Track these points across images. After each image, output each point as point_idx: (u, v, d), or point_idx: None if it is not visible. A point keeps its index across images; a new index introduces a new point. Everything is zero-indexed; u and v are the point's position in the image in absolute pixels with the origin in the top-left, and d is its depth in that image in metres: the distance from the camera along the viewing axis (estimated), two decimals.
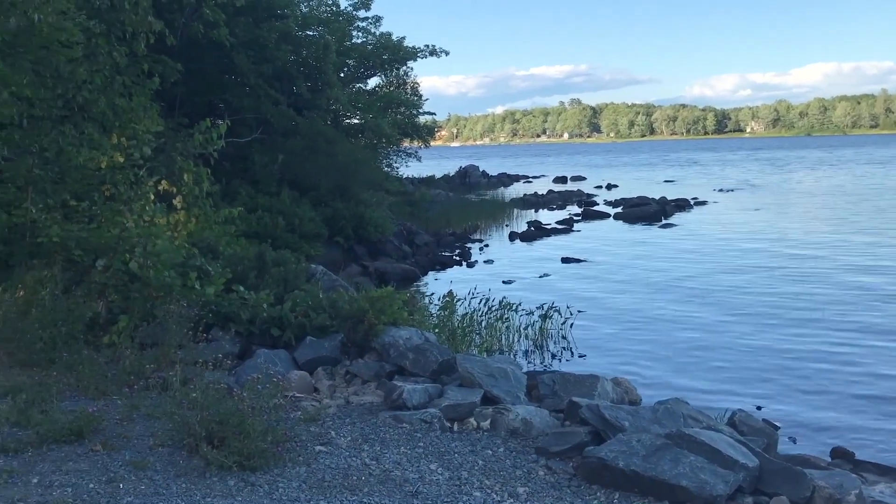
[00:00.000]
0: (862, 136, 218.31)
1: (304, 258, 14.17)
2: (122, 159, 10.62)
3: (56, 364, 7.79)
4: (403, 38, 29.41)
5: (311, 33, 23.99)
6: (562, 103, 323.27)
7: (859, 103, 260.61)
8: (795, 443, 8.63)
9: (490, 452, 6.25)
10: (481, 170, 65.24)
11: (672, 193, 43.10)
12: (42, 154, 10.17)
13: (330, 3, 27.03)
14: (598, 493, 5.49)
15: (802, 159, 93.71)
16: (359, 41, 28.69)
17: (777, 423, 8.92)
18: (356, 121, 28.11)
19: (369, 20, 28.34)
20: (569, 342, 13.04)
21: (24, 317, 8.54)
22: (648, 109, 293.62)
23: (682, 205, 37.97)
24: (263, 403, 6.16)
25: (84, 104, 10.59)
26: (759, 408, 9.61)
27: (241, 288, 9.40)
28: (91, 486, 5.34)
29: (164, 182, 11.34)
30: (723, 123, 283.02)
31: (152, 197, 10.79)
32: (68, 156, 10.18)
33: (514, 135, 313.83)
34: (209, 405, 5.97)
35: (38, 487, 5.29)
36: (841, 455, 7.95)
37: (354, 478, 5.64)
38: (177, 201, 11.52)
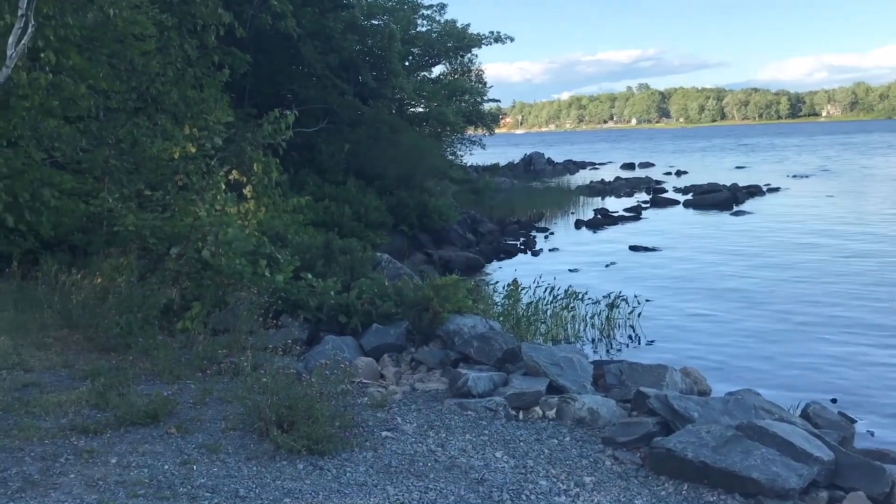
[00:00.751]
0: None
1: (369, 246, 14.32)
2: (193, 150, 10.89)
3: (132, 349, 8.05)
4: (468, 25, 29.43)
5: (376, 22, 24.13)
6: (629, 88, 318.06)
7: None
8: (874, 436, 8.33)
9: (556, 441, 6.22)
10: (546, 157, 64.67)
11: (744, 180, 42.02)
12: (118, 145, 10.50)
13: None
14: (666, 484, 5.42)
15: (881, 144, 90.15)
16: (423, 29, 28.78)
17: (854, 417, 8.66)
18: (421, 109, 28.23)
19: (434, 8, 28.42)
20: (636, 332, 12.86)
21: (101, 303, 8.86)
22: (719, 94, 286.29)
23: (754, 191, 37.01)
24: (331, 389, 6.25)
25: (157, 96, 10.91)
26: (834, 400, 9.32)
27: (310, 275, 9.55)
28: (166, 467, 5.51)
29: (234, 172, 11.59)
30: (797, 107, 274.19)
31: (223, 186, 11.04)
32: (142, 147, 10.49)
33: (581, 121, 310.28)
34: (279, 390, 6.09)
35: (117, 468, 5.48)
36: None
37: (420, 464, 5.68)
38: (247, 190, 11.76)
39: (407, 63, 27.88)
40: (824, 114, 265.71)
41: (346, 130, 21.26)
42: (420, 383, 7.79)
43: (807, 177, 46.92)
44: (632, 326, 13.07)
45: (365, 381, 7.68)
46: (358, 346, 8.58)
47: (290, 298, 9.21)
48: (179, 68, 11.37)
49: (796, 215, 28.27)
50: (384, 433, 6.29)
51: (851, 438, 7.44)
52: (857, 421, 8.57)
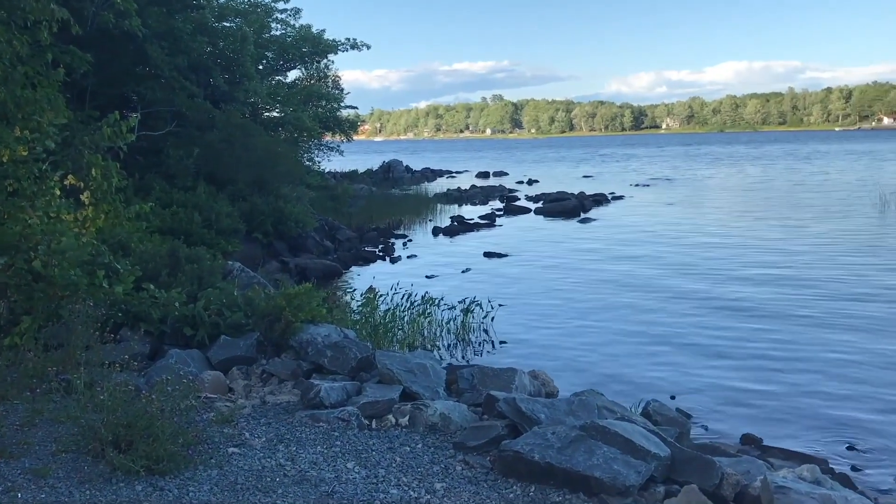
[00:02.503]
0: (771, 133, 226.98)
1: (220, 255, 13.86)
2: (24, 153, 10.13)
3: None
4: (323, 30, 29.15)
5: (228, 24, 23.46)
6: (484, 99, 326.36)
7: (768, 101, 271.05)
8: (707, 430, 8.87)
9: (408, 449, 6.22)
10: (405, 165, 65.09)
11: (590, 188, 43.89)
12: None
13: None
14: (515, 487, 5.52)
15: (714, 155, 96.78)
16: (278, 33, 28.25)
17: (689, 412, 9.18)
18: (276, 114, 27.68)
19: (288, 12, 28.01)
20: (490, 336, 13.12)
21: None
22: (568, 106, 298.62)
23: (600, 199, 38.72)
24: (174, 405, 5.98)
25: None
26: (672, 397, 9.85)
27: (152, 286, 9.12)
28: None
29: (70, 177, 10.88)
30: (639, 120, 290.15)
31: (58, 192, 10.34)
32: None
33: (438, 130, 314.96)
34: (116, 408, 5.76)
35: None
36: (749, 441, 8.22)
37: (268, 479, 5.53)
38: (84, 196, 11.06)
39: (261, 67, 27.26)
40: (664, 126, 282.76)
41: (195, 134, 20.49)
42: (271, 396, 7.59)
43: (647, 185, 49.57)
44: (486, 331, 13.32)
45: (211, 395, 7.40)
46: (205, 360, 8.26)
47: (131, 311, 8.75)
48: (8, 66, 10.56)
49: (638, 221, 29.79)
50: (231, 449, 6.07)
51: (688, 433, 7.89)
52: (692, 416, 9.10)
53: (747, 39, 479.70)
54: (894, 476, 7.53)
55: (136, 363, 7.32)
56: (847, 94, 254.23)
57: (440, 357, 11.61)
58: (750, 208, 33.53)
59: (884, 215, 29.03)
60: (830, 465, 7.46)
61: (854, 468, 7.69)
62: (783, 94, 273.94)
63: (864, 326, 13.12)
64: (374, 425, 6.77)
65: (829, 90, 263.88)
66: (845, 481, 6.80)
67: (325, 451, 6.11)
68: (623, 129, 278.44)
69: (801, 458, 7.48)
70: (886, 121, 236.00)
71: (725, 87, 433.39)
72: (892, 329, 12.89)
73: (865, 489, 6.86)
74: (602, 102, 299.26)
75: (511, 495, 5.39)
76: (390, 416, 6.87)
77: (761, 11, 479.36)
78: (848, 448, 8.26)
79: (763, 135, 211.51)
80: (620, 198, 40.56)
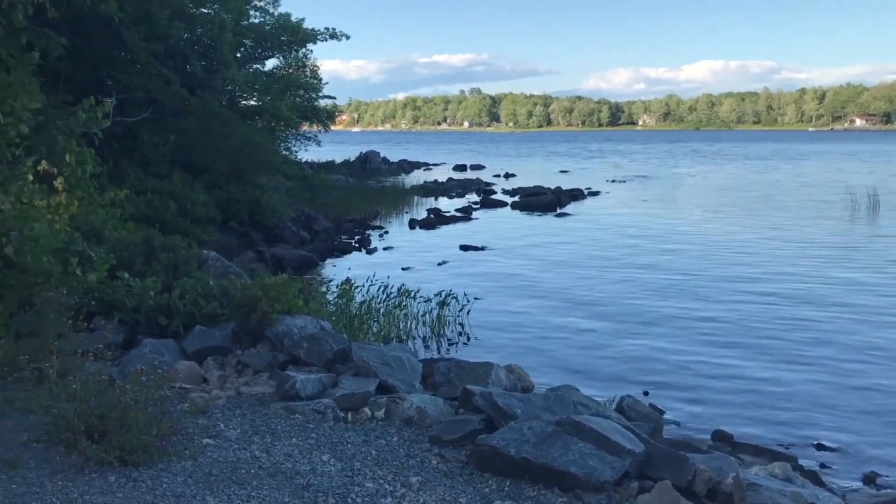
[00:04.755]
0: (746, 132, 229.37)
1: (195, 244, 13.72)
2: None
3: None
4: (303, 19, 28.87)
5: (205, 11, 23.16)
6: (462, 92, 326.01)
7: (744, 100, 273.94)
8: (680, 426, 8.96)
9: (384, 442, 6.21)
10: (382, 156, 64.86)
11: (567, 183, 44.05)
12: None
13: None
14: (490, 481, 5.54)
15: (690, 152, 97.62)
16: (256, 21, 27.97)
17: (662, 408, 9.27)
18: (253, 103, 27.44)
19: (267, 0, 27.67)
20: (465, 329, 13.14)
21: None
22: (546, 100, 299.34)
23: (577, 195, 38.89)
24: (148, 395, 5.91)
25: None
26: (646, 393, 9.93)
27: (126, 275, 9.02)
28: None
29: (43, 162, 10.70)
30: (617, 116, 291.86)
31: (31, 178, 10.18)
32: None
33: (416, 122, 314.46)
34: (89, 397, 5.69)
35: None
36: (721, 438, 8.32)
37: (243, 471, 5.50)
38: (58, 183, 10.89)
39: (239, 55, 26.98)
40: (640, 123, 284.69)
41: (171, 121, 20.28)
42: (246, 387, 7.55)
43: (623, 181, 49.87)
44: (461, 324, 13.34)
45: (185, 385, 7.34)
46: (180, 350, 8.20)
47: (105, 299, 8.65)
48: None
49: (613, 217, 29.98)
50: (205, 440, 6.03)
51: (661, 429, 7.94)
52: (665, 412, 9.19)
53: (724, 39, 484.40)
54: (862, 474, 7.66)
55: (109, 352, 7.21)
56: (821, 95, 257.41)
57: (415, 350, 11.60)
58: (723, 207, 33.88)
59: (854, 217, 29.45)
60: (800, 463, 7.58)
61: (823, 465, 7.82)
62: (758, 94, 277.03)
63: (834, 325, 13.31)
64: (349, 418, 6.76)
65: (803, 91, 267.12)
66: (815, 479, 6.91)
67: (301, 443, 6.09)
68: (600, 125, 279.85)
69: (772, 455, 7.59)
70: (859, 122, 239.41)
71: (702, 85, 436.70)
72: (861, 328, 13.09)
73: (834, 487, 6.97)
74: (580, 98, 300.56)
75: (486, 490, 5.41)
76: (366, 409, 6.86)
77: (738, 11, 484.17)
78: (816, 446, 8.39)
79: (738, 133, 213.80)
80: (597, 193, 40.77)
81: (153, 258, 9.99)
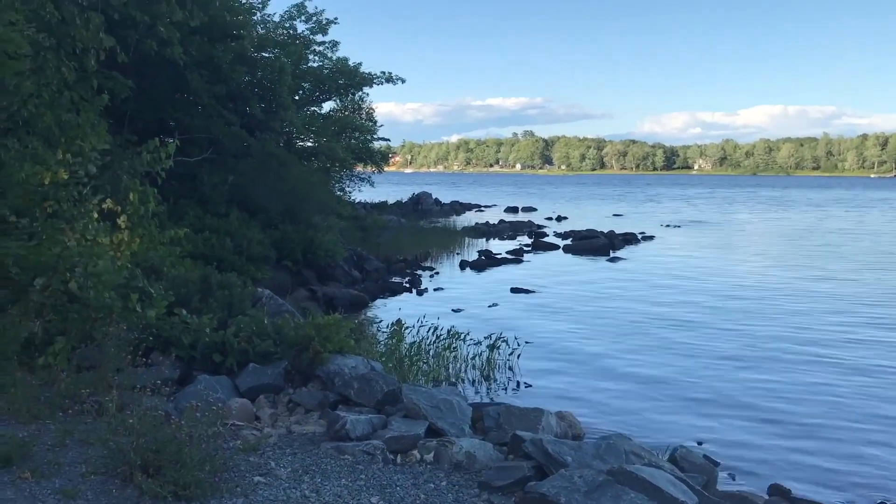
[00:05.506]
0: (804, 177, 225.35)
1: (250, 281, 13.99)
2: (66, 176, 10.36)
3: None
4: (360, 63, 29.49)
5: (266, 55, 23.86)
6: (515, 134, 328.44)
7: (802, 145, 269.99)
8: (734, 479, 8.72)
9: (432, 486, 6.19)
10: (434, 197, 65.40)
11: (620, 227, 43.73)
12: None
13: (287, 26, 27.00)
14: None
15: (747, 198, 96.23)
16: (315, 65, 28.68)
17: (717, 460, 9.04)
18: (310, 144, 28.00)
19: (326, 45, 28.39)
20: (515, 373, 13.05)
21: None
22: (599, 143, 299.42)
23: (630, 239, 38.54)
24: (202, 431, 6.01)
25: (29, 118, 10.34)
26: (700, 443, 9.71)
27: (184, 311, 9.22)
28: None
29: (108, 200, 11.08)
30: (671, 160, 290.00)
31: (96, 215, 10.54)
32: (10, 170, 9.90)
33: (468, 163, 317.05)
34: (146, 432, 5.82)
35: None
36: (778, 492, 8.07)
37: None
38: (121, 220, 11.26)
39: (297, 97, 27.64)
40: (696, 167, 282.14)
41: (230, 161, 20.80)
42: (297, 426, 7.61)
43: (679, 226, 49.29)
44: (511, 368, 13.25)
45: (238, 423, 7.44)
46: (233, 387, 8.32)
47: (163, 335, 8.85)
48: (55, 90, 10.85)
49: (668, 263, 29.58)
50: (256, 478, 6.09)
51: (715, 481, 7.76)
52: (719, 464, 8.96)
53: (782, 83, 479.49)
54: None
55: (165, 388, 7.38)
56: (883, 140, 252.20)
57: (464, 393, 11.56)
58: (781, 255, 33.21)
59: None
60: None
61: None
62: (817, 139, 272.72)
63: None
64: (398, 460, 6.75)
65: (864, 136, 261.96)
66: None
67: (350, 483, 6.10)
68: (654, 169, 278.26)
69: None
70: None
71: (759, 130, 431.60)
72: None
73: None
74: (634, 141, 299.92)
75: None
76: (415, 452, 6.85)
77: (796, 56, 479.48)
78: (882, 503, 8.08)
79: (797, 179, 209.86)
80: (651, 238, 40.33)
81: (209, 295, 10.21)
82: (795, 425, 10.59)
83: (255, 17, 24.21)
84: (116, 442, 5.85)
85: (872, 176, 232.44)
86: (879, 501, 8.15)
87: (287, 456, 6.68)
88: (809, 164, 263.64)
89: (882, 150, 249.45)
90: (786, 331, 16.68)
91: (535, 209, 66.16)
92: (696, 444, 9.53)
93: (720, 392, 12.11)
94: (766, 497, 7.86)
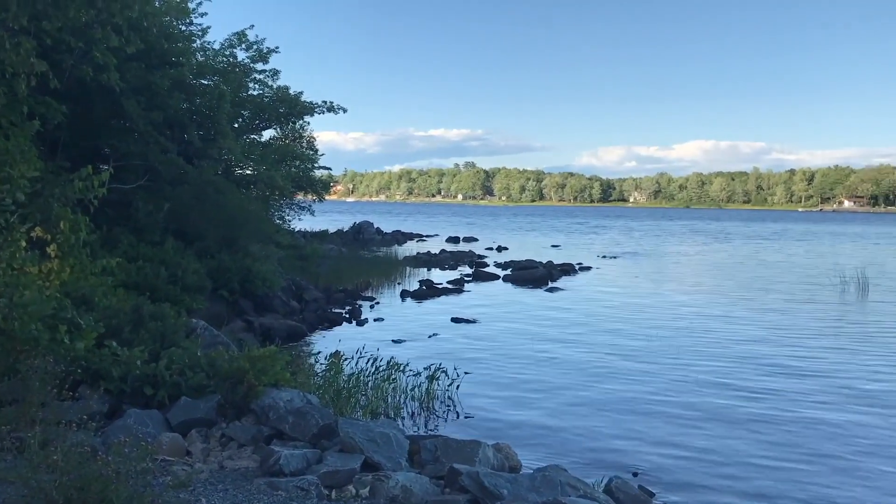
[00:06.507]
0: (736, 211, 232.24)
1: (185, 312, 13.70)
2: None
3: None
4: (301, 92, 29.42)
5: (205, 82, 23.63)
6: (457, 165, 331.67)
7: (734, 179, 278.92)
8: None
9: None
10: (376, 226, 65.33)
11: (558, 258, 44.29)
12: None
13: (227, 54, 26.79)
14: None
15: (681, 230, 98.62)
16: (255, 93, 28.49)
17: (652, 490, 9.15)
18: (249, 172, 27.71)
19: (267, 73, 28.24)
20: (455, 404, 13.03)
21: None
22: (539, 176, 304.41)
23: (568, 269, 39.03)
24: (130, 467, 5.82)
25: None
26: (635, 474, 9.81)
27: (114, 343, 8.97)
28: None
29: (37, 228, 10.77)
30: (608, 192, 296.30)
31: (24, 244, 10.23)
32: None
33: (410, 193, 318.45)
34: (70, 469, 5.60)
35: None
36: None
37: None
38: (51, 249, 10.95)
39: (236, 125, 27.38)
40: (632, 199, 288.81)
41: (166, 189, 20.43)
42: (230, 461, 7.44)
43: (615, 257, 50.15)
44: (450, 398, 13.23)
45: (169, 458, 7.24)
46: (164, 421, 8.10)
47: (91, 367, 8.59)
48: None
49: (604, 293, 30.04)
50: None
51: None
52: (654, 494, 9.06)
53: (715, 119, 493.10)
54: None
55: (93, 422, 7.13)
56: (810, 176, 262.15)
57: (403, 425, 11.50)
58: (712, 286, 34.05)
59: (844, 297, 29.61)
60: None
61: None
62: (748, 174, 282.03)
63: (830, 404, 13.25)
64: (333, 495, 6.66)
65: (792, 172, 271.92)
66: None
67: None
68: (592, 201, 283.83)
69: None
70: (847, 203, 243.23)
71: (692, 164, 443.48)
72: (865, 407, 13.03)
73: None
74: (572, 174, 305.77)
75: None
76: (351, 487, 6.77)
77: (729, 93, 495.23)
78: None
79: (727, 212, 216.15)
80: (588, 268, 40.95)
81: (141, 326, 9.97)
82: (731, 455, 10.79)
83: (194, 45, 23.97)
84: (38, 479, 5.63)
85: (800, 210, 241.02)
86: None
87: (219, 492, 6.52)
88: (741, 197, 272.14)
89: (808, 184, 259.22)
90: (719, 361, 17.04)
91: (476, 239, 66.62)
92: (631, 476, 9.63)
93: (654, 423, 12.28)
94: None
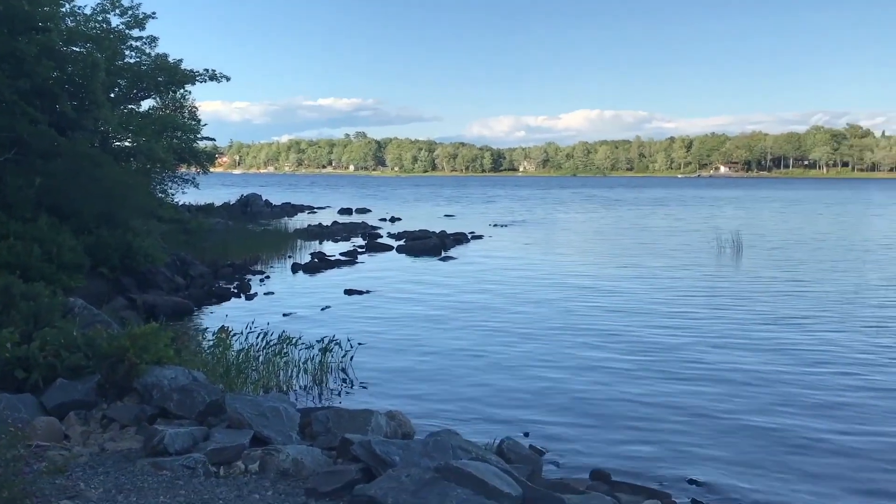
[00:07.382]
0: (620, 178, 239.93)
1: (60, 291, 13.04)
2: None
3: None
4: (181, 60, 28.22)
5: (77, 49, 22.34)
6: (348, 135, 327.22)
7: (617, 148, 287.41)
8: (559, 467, 9.06)
9: (257, 497, 6.00)
10: (264, 199, 63.92)
11: (451, 227, 44.62)
12: None
13: (100, 19, 25.40)
14: None
15: (568, 198, 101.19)
16: (132, 61, 27.17)
17: (543, 449, 9.38)
18: (128, 144, 26.49)
19: (144, 40, 26.96)
20: (349, 376, 12.96)
21: None
22: (431, 146, 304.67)
23: (461, 238, 39.40)
24: None
25: None
26: (526, 434, 10.03)
27: None
28: None
29: None
30: (498, 162, 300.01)
31: None
32: None
33: (300, 164, 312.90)
34: None
35: None
36: (599, 477, 8.47)
37: None
38: None
39: (112, 95, 26.05)
40: (521, 169, 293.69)
41: (38, 162, 19.29)
42: (111, 443, 7.15)
43: (506, 226, 50.97)
44: (344, 370, 13.15)
45: (43, 443, 6.88)
46: (38, 405, 7.70)
47: None
48: None
49: (496, 260, 30.53)
50: (63, 502, 5.66)
51: (540, 470, 8.04)
52: (545, 453, 9.30)
53: (600, 89, 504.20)
54: None
55: None
56: (688, 143, 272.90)
57: (296, 399, 11.35)
58: (598, 251, 35.15)
59: (720, 258, 31.14)
60: (673, 499, 7.80)
61: (694, 501, 8.07)
62: (631, 142, 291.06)
63: (703, 359, 13.90)
64: (221, 472, 6.49)
65: (672, 139, 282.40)
66: None
67: (169, 501, 5.80)
68: (483, 171, 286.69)
69: (648, 493, 7.79)
70: (723, 169, 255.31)
71: (579, 133, 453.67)
72: (727, 356, 13.74)
73: None
74: (463, 144, 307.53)
75: None
76: (239, 463, 6.62)
77: (614, 63, 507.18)
78: (689, 481, 8.66)
79: (613, 180, 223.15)
80: (480, 237, 41.44)
81: (12, 307, 9.43)
82: (614, 410, 11.18)
83: (62, 9, 22.59)
84: None
85: (679, 176, 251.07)
86: (688, 479, 8.72)
87: (99, 476, 6.25)
88: (624, 165, 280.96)
89: (687, 152, 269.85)
90: (607, 320, 17.63)
91: (369, 210, 66.23)
92: (522, 436, 9.83)
93: (544, 382, 12.60)
94: (589, 482, 8.23)
